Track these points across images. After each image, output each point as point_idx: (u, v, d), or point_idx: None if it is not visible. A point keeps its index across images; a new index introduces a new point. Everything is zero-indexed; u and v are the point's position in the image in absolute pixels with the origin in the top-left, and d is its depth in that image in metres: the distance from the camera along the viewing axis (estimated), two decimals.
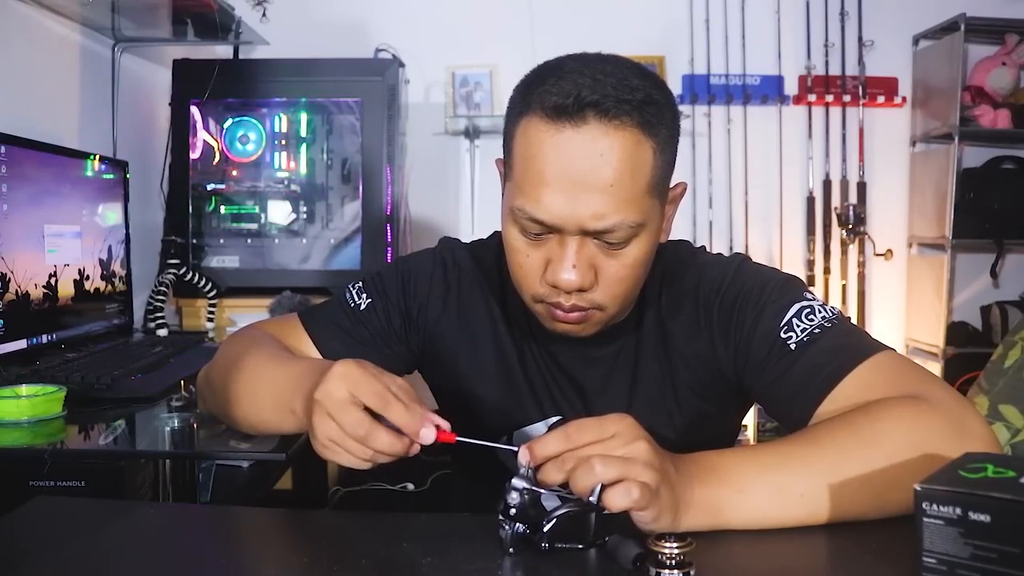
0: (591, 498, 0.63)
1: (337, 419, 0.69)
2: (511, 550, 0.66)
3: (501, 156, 0.88)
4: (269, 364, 0.88)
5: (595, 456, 0.63)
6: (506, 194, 0.85)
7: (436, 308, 0.98)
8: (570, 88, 0.77)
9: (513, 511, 0.66)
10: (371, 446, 0.69)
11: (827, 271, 2.99)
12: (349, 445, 0.69)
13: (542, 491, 0.66)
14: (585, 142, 0.77)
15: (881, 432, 0.72)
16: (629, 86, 0.78)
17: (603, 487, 0.63)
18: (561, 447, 0.65)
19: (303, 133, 2.35)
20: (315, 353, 0.97)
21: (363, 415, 0.69)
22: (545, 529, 0.65)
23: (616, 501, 0.62)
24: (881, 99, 3.01)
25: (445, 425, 0.70)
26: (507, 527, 0.66)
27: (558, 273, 0.80)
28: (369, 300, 0.98)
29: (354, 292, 1.00)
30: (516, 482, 0.66)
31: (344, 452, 0.70)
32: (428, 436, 0.69)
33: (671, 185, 0.87)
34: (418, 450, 0.70)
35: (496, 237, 0.99)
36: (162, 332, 2.05)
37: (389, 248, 2.32)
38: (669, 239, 0.98)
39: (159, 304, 2.13)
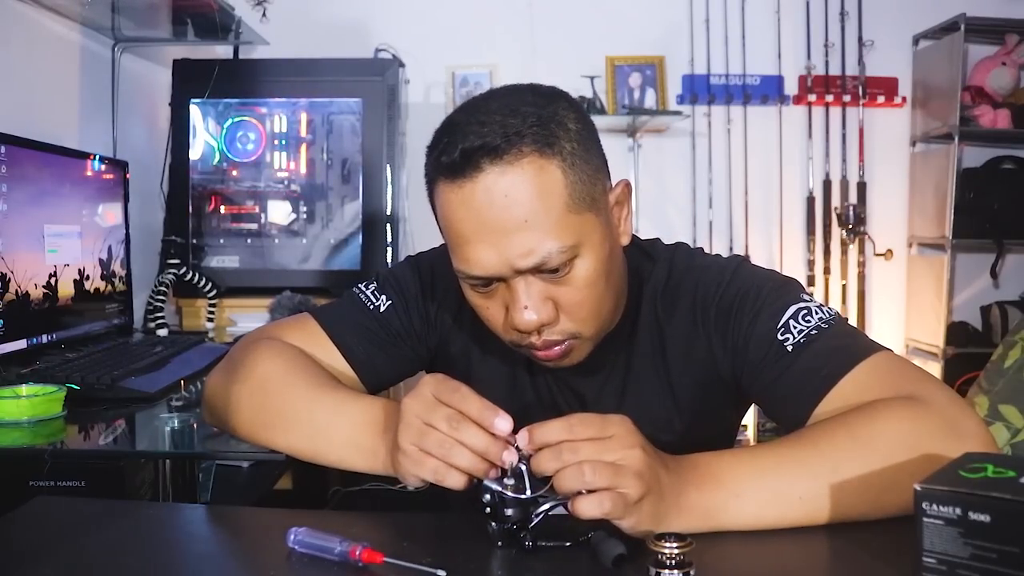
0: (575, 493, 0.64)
1: (427, 418, 0.69)
2: (500, 543, 0.67)
3: None
4: (326, 394, 0.85)
5: (586, 462, 0.64)
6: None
7: (453, 310, 0.98)
8: (458, 141, 0.77)
9: (488, 510, 0.67)
10: (461, 438, 0.67)
11: (827, 271, 3.00)
12: (433, 441, 0.68)
13: (518, 496, 0.66)
14: (486, 190, 0.76)
15: (877, 433, 0.72)
16: (517, 114, 0.77)
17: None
18: (560, 436, 0.66)
19: (303, 133, 2.35)
20: (336, 356, 0.95)
21: (453, 411, 0.69)
22: (531, 526, 0.66)
23: (588, 510, 0.63)
24: (881, 99, 3.01)
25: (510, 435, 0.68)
26: (493, 524, 0.67)
27: (515, 318, 0.80)
28: (389, 302, 0.97)
29: (369, 293, 0.98)
30: (487, 483, 0.67)
31: (429, 458, 0.69)
32: (504, 427, 0.67)
33: (611, 186, 0.85)
34: (512, 459, 0.67)
35: None
36: (162, 332, 2.05)
37: (389, 248, 2.32)
38: (665, 242, 0.98)
39: (159, 304, 2.13)
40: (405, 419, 0.71)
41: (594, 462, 0.64)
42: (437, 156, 0.80)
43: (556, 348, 0.83)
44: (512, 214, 0.76)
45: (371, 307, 0.97)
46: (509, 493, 0.66)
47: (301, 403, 0.85)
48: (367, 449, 0.80)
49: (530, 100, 0.79)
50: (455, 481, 0.69)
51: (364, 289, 0.99)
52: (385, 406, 0.82)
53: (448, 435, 0.68)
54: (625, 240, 0.88)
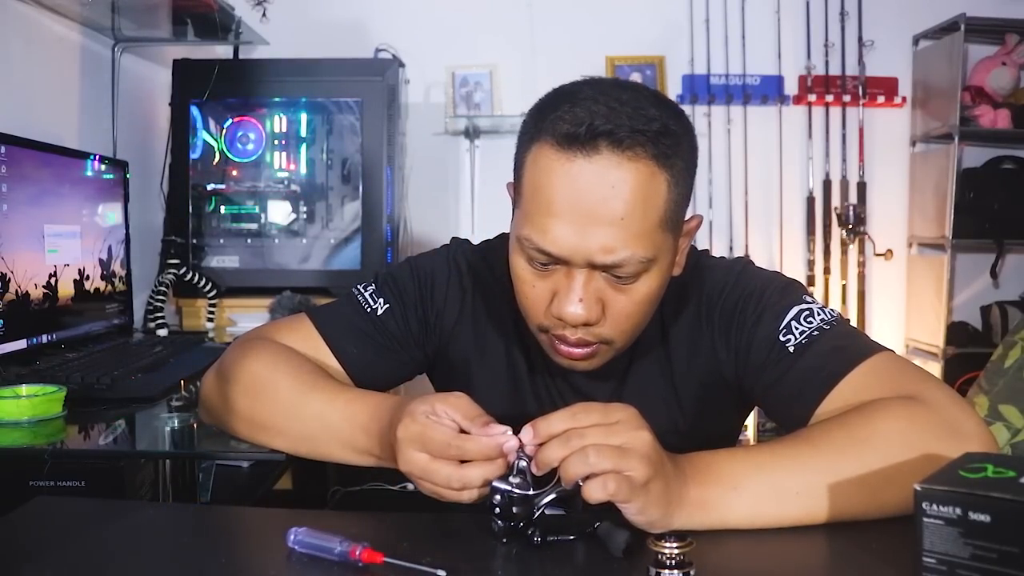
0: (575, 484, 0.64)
1: (426, 448, 0.68)
2: (504, 540, 0.67)
3: (511, 180, 0.86)
4: (315, 396, 0.85)
5: (590, 446, 0.64)
6: (514, 222, 0.83)
7: (453, 314, 0.97)
8: (583, 116, 0.75)
9: (497, 510, 0.67)
10: (466, 454, 0.67)
11: (827, 271, 2.99)
12: (442, 479, 0.68)
13: (526, 492, 0.66)
14: (596, 173, 0.74)
15: (876, 432, 0.72)
16: (645, 116, 0.76)
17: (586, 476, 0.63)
18: (566, 426, 0.66)
19: (303, 133, 2.35)
20: (331, 358, 0.95)
21: (449, 432, 0.68)
22: (534, 517, 0.66)
23: (592, 493, 0.63)
24: (881, 99, 3.01)
25: (512, 443, 0.68)
26: (498, 523, 0.67)
27: (564, 306, 0.78)
28: (387, 306, 0.96)
29: (367, 295, 0.97)
30: (497, 483, 0.67)
31: (434, 484, 0.69)
32: (511, 444, 0.67)
33: (686, 218, 0.85)
34: (513, 457, 0.68)
35: (504, 239, 0.97)
36: (162, 332, 2.05)
37: (389, 248, 2.32)
38: None
39: (159, 304, 2.13)
40: (404, 451, 0.70)
41: (598, 445, 0.64)
42: (556, 119, 0.77)
43: (584, 348, 0.82)
44: (611, 207, 0.75)
45: (368, 310, 0.96)
46: (518, 492, 0.66)
47: (289, 405, 0.86)
48: (363, 450, 0.81)
49: (657, 103, 0.79)
50: (469, 497, 0.69)
51: (363, 291, 0.98)
52: (376, 406, 0.81)
53: (450, 482, 0.68)
54: (677, 271, 0.87)
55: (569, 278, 0.79)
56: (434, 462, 0.69)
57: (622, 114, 0.75)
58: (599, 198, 0.75)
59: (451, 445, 0.68)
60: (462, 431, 0.70)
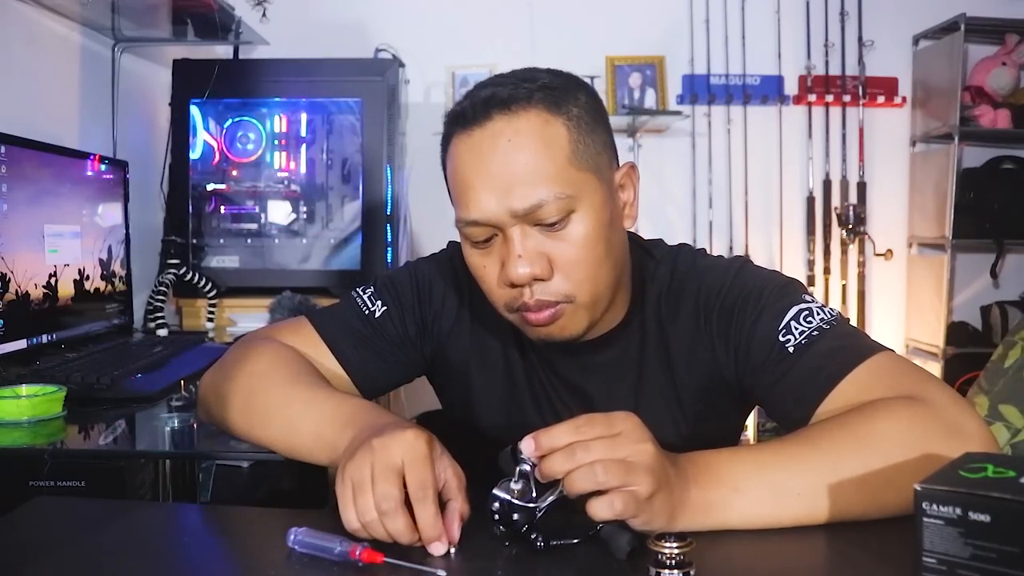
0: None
1: (376, 477, 0.67)
2: (506, 544, 0.68)
3: None
4: (308, 393, 0.85)
5: (598, 462, 0.63)
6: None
7: (450, 318, 0.98)
8: (473, 96, 0.83)
9: (497, 517, 0.67)
10: (385, 522, 0.66)
11: (827, 271, 3.00)
12: (364, 502, 0.67)
13: (525, 503, 0.66)
14: (493, 136, 0.80)
15: (877, 432, 0.72)
16: (531, 78, 0.82)
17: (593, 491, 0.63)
18: (569, 439, 0.65)
19: (303, 133, 2.35)
20: (331, 360, 0.95)
21: (398, 493, 0.66)
22: (535, 521, 0.66)
23: (600, 512, 0.63)
24: (881, 99, 3.01)
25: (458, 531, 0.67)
26: (499, 528, 0.68)
27: (509, 269, 0.81)
28: (384, 308, 0.97)
29: (366, 297, 0.98)
30: (497, 491, 0.67)
31: (354, 506, 0.67)
32: (438, 550, 0.66)
33: (617, 166, 0.88)
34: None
35: None
36: (162, 332, 2.05)
37: (389, 248, 2.32)
38: (669, 244, 0.98)
39: (159, 304, 2.13)
40: (363, 456, 0.69)
41: (605, 461, 0.63)
42: (453, 112, 0.84)
43: (547, 311, 0.82)
44: (513, 158, 0.79)
45: (366, 312, 0.97)
46: (517, 501, 0.66)
47: (279, 398, 0.86)
48: (328, 443, 0.78)
49: (546, 72, 0.85)
50: (374, 530, 0.68)
51: (361, 293, 0.99)
52: (355, 404, 0.81)
53: (378, 512, 0.67)
54: (629, 224, 0.90)
55: (507, 243, 0.81)
56: (398, 473, 0.67)
57: (506, 84, 0.82)
58: (501, 155, 0.79)
59: (432, 485, 0.67)
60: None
